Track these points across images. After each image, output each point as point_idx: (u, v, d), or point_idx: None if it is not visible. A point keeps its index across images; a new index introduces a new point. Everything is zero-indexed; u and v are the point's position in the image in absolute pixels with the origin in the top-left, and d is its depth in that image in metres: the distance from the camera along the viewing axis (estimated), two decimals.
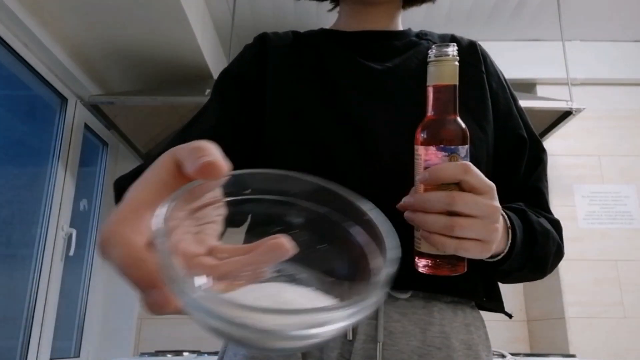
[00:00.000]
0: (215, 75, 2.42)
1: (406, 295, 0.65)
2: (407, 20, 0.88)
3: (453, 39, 0.82)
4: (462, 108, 0.72)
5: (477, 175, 0.55)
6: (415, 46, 0.80)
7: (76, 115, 2.25)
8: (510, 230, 0.63)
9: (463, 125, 0.58)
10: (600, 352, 2.22)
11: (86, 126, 2.33)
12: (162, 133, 2.43)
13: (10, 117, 1.95)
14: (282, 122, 0.73)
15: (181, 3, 1.87)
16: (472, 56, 0.80)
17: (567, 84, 2.19)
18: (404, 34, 0.83)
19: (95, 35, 2.07)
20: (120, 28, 2.01)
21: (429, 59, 0.58)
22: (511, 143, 0.78)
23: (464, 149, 0.56)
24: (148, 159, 0.67)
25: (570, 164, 2.52)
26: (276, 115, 0.74)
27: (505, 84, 0.82)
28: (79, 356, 2.30)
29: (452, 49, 0.57)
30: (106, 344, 2.42)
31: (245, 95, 0.77)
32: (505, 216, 0.63)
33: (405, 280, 0.61)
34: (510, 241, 0.62)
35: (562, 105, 2.17)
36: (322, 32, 0.85)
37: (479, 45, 0.83)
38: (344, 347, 0.63)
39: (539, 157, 0.81)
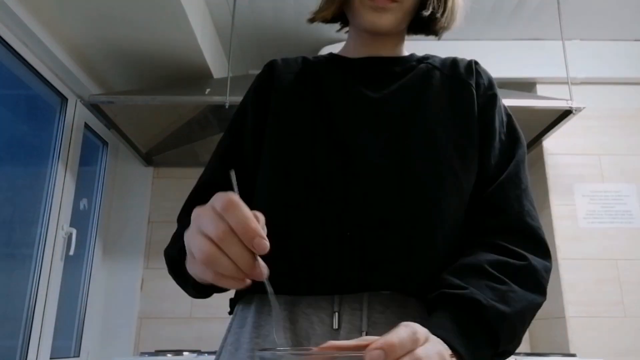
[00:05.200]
0: (215, 75, 2.42)
1: (387, 292, 0.67)
2: None
3: (454, 62, 0.85)
4: (448, 145, 0.75)
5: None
6: (413, 70, 0.83)
7: (76, 115, 2.25)
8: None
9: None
10: (600, 351, 2.22)
11: (86, 126, 2.33)
12: (162, 132, 2.44)
13: (10, 116, 1.95)
14: (279, 151, 0.78)
15: (182, 3, 1.87)
16: (468, 76, 0.82)
17: (567, 83, 2.19)
18: (405, 59, 0.86)
19: (96, 35, 2.07)
20: (120, 27, 2.01)
21: None
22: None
23: None
24: (182, 213, 0.80)
25: (570, 163, 2.52)
26: (273, 144, 0.79)
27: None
28: (79, 356, 2.30)
29: None
30: (106, 343, 2.42)
31: (250, 123, 0.83)
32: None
33: (383, 281, 0.67)
34: None
35: (562, 104, 2.17)
36: (329, 58, 0.88)
37: (475, 64, 0.85)
38: (330, 337, 0.65)
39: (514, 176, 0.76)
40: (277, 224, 0.72)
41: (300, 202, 0.73)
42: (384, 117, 0.77)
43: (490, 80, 0.83)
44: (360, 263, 0.67)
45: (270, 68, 0.87)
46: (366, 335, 0.64)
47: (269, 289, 0.51)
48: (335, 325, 0.66)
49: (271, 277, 0.69)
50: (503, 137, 0.79)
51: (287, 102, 0.82)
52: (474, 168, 0.76)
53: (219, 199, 0.49)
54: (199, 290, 0.68)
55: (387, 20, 0.79)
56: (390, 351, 0.42)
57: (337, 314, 0.66)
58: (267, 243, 0.48)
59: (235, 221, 0.48)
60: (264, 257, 0.70)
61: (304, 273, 0.68)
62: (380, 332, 0.65)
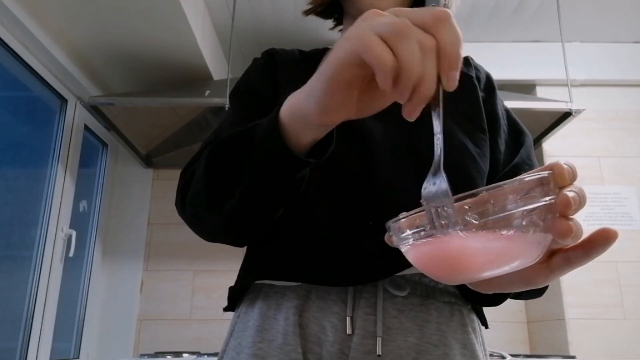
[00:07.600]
0: (215, 77, 2.42)
1: (404, 293, 0.66)
2: None
3: None
4: (456, 126, 0.75)
5: None
6: None
7: (76, 116, 2.25)
8: None
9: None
10: (600, 353, 2.22)
11: (86, 127, 2.33)
12: (161, 134, 2.43)
13: (10, 118, 1.95)
14: None
15: (181, 5, 1.87)
16: (468, 69, 0.83)
17: (566, 85, 2.19)
18: None
19: (96, 37, 2.07)
20: (120, 29, 2.02)
21: None
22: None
23: None
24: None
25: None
26: None
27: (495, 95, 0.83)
28: (78, 357, 2.30)
29: None
30: (106, 345, 2.41)
31: (257, 102, 0.79)
32: None
33: (402, 279, 0.67)
34: None
35: (561, 106, 2.17)
36: (327, 51, 0.86)
37: (472, 60, 0.86)
38: (343, 343, 0.64)
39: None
40: (297, 214, 0.70)
41: (319, 191, 0.70)
42: (392, 106, 0.75)
43: (487, 75, 0.85)
44: (384, 251, 0.66)
45: (271, 55, 0.85)
46: (382, 341, 0.63)
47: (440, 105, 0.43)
48: (349, 331, 0.64)
49: (290, 266, 0.68)
50: (506, 128, 0.80)
51: (294, 89, 0.80)
52: (486, 152, 0.76)
53: (422, 9, 0.40)
54: (256, 186, 0.60)
55: (386, 3, 0.77)
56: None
57: (349, 318, 0.65)
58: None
59: (450, 39, 0.39)
60: (278, 248, 0.69)
61: (321, 261, 0.67)
62: (396, 337, 0.65)
